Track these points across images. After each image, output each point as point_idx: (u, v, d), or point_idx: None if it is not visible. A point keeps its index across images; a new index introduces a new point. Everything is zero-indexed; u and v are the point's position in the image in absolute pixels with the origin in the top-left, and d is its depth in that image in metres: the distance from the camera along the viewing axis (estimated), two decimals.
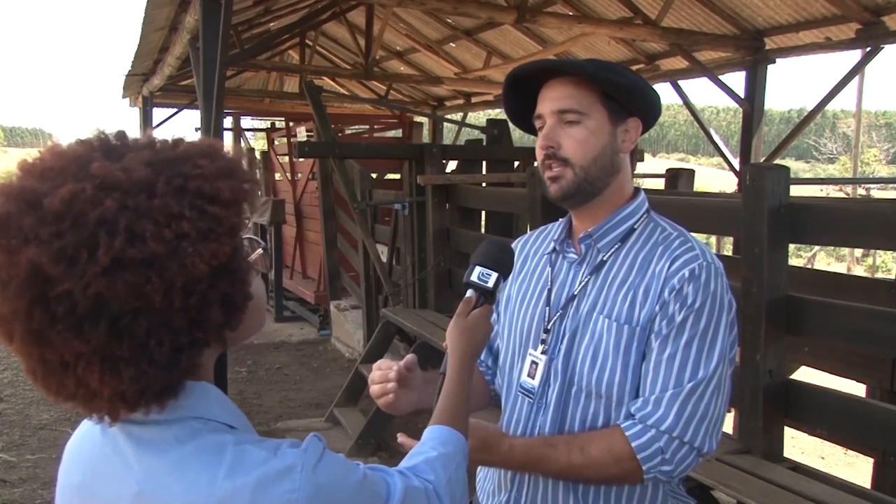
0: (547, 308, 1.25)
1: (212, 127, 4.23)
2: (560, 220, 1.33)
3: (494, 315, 1.38)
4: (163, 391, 0.73)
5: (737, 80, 6.25)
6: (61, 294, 0.66)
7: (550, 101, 1.20)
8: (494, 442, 1.16)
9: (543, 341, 1.23)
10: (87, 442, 0.82)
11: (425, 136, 10.10)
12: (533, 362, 1.24)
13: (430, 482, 0.89)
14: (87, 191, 0.68)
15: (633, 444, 1.11)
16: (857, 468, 4.58)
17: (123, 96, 10.59)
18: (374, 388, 1.19)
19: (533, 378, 1.23)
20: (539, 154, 1.22)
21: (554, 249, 1.30)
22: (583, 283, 1.22)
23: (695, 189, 5.28)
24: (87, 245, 0.66)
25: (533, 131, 1.26)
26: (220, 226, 0.72)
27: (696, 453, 1.13)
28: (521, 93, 1.26)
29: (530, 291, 1.30)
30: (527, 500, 1.23)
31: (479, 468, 1.39)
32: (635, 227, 1.23)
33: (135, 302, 0.68)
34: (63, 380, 0.71)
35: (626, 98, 1.19)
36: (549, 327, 1.23)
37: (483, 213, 5.31)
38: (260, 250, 0.84)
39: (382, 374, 1.19)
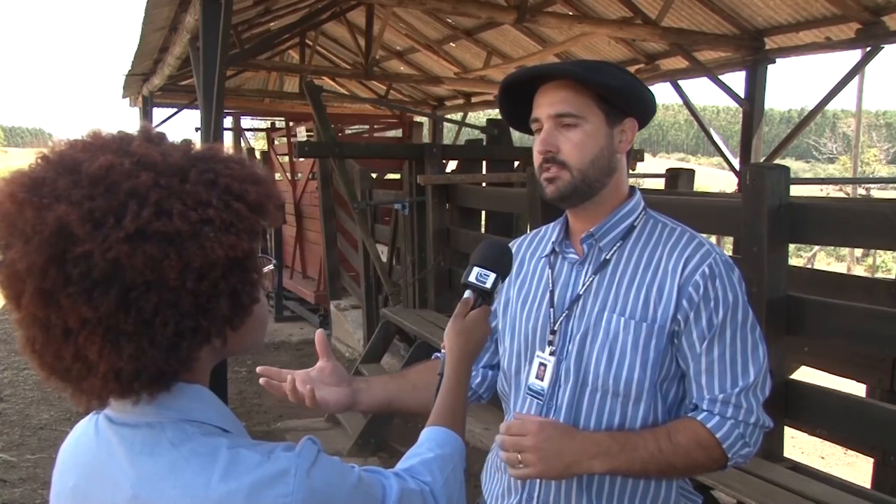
0: (551, 309, 1.25)
1: (212, 127, 4.23)
2: (554, 222, 1.34)
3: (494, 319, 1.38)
4: (157, 377, 0.73)
5: (737, 79, 6.25)
6: (80, 255, 0.67)
7: (546, 105, 1.20)
8: (571, 427, 1.17)
9: (551, 342, 1.23)
10: (82, 445, 0.82)
11: (425, 136, 10.10)
12: (541, 364, 1.24)
13: (427, 484, 0.89)
14: (124, 164, 0.71)
15: (718, 436, 1.16)
16: (857, 468, 4.58)
17: (123, 96, 10.59)
18: (296, 397, 1.19)
19: (541, 380, 1.23)
20: (537, 158, 1.22)
21: (553, 251, 1.30)
22: (587, 283, 1.23)
23: (695, 189, 5.28)
24: (116, 211, 0.68)
25: (531, 132, 1.27)
26: (242, 223, 0.74)
27: (764, 431, 1.21)
28: (517, 96, 1.27)
29: (531, 294, 1.30)
30: (538, 501, 1.22)
31: (483, 471, 1.39)
32: (635, 224, 1.24)
33: (149, 275, 0.69)
34: (61, 350, 0.71)
35: (620, 100, 1.20)
36: (555, 328, 1.23)
37: (483, 213, 5.31)
38: (271, 266, 0.86)
39: (287, 383, 1.20)
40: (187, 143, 0.79)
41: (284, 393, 1.20)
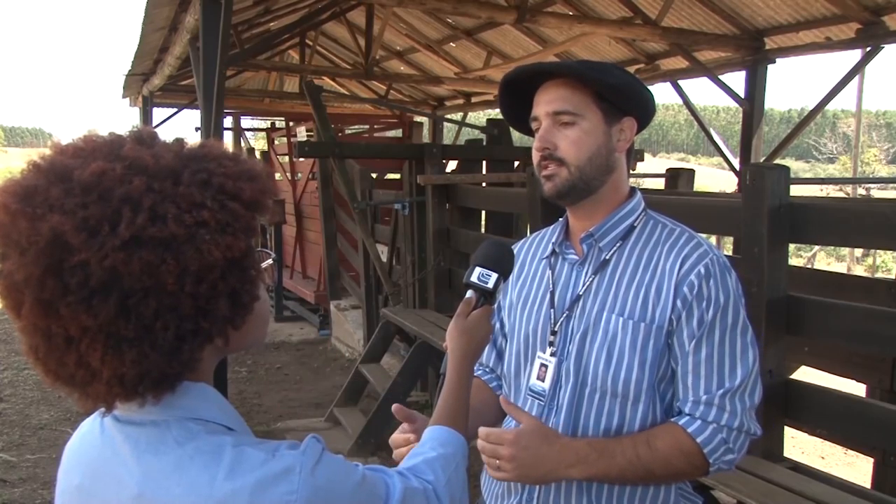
0: (552, 310, 1.25)
1: (212, 127, 4.23)
2: (555, 223, 1.34)
3: (497, 321, 1.38)
4: (161, 380, 0.73)
5: (737, 79, 6.25)
6: (77, 264, 0.67)
7: (545, 103, 1.21)
8: (552, 433, 1.16)
9: (552, 343, 1.24)
10: (87, 444, 0.82)
11: (425, 136, 10.10)
12: (542, 365, 1.24)
13: (430, 483, 0.90)
14: (116, 170, 0.70)
15: (699, 440, 1.14)
16: (857, 468, 4.58)
17: (123, 96, 10.58)
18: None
19: (542, 380, 1.23)
20: (535, 155, 1.23)
21: (553, 252, 1.30)
22: (587, 284, 1.23)
23: (695, 189, 5.28)
24: (110, 219, 0.68)
25: (531, 133, 1.27)
26: (238, 222, 0.74)
27: (750, 438, 1.18)
28: (518, 95, 1.27)
29: (532, 295, 1.30)
30: (538, 502, 1.23)
31: (483, 472, 1.39)
32: (635, 224, 1.25)
33: (147, 280, 0.69)
34: (64, 358, 0.71)
35: (618, 98, 1.20)
36: (556, 329, 1.24)
37: (483, 213, 5.32)
38: (270, 260, 0.86)
39: (404, 438, 1.16)
40: (179, 143, 0.78)
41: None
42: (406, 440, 1.15)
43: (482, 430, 1.15)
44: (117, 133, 0.78)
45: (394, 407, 1.18)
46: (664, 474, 1.16)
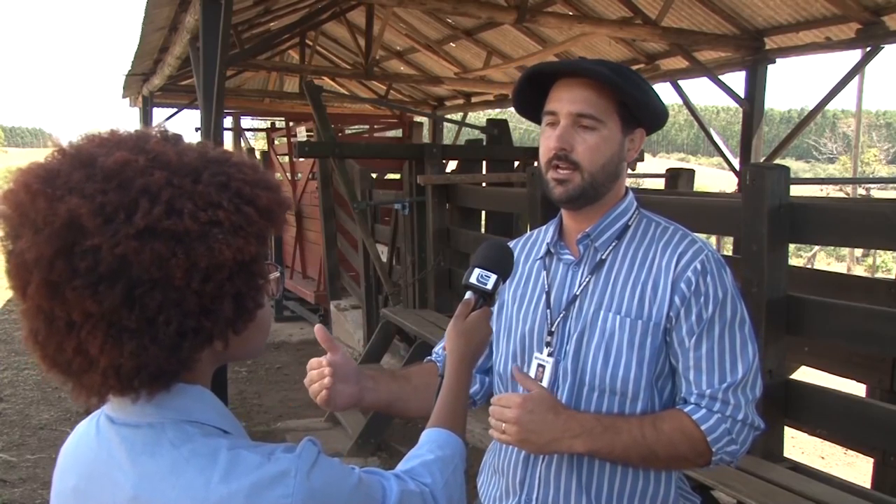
0: (548, 311, 1.25)
1: (212, 127, 4.23)
2: (547, 224, 1.34)
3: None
4: (157, 376, 0.73)
5: (737, 80, 6.25)
6: (89, 249, 0.68)
7: (568, 101, 1.19)
8: (559, 404, 1.17)
9: (548, 344, 1.24)
10: (83, 446, 0.82)
11: (425, 136, 10.10)
12: (539, 365, 1.24)
13: (427, 485, 0.89)
14: (139, 161, 0.72)
15: (703, 428, 1.15)
16: (857, 468, 4.58)
17: (123, 96, 10.59)
18: (312, 388, 1.17)
19: (540, 381, 1.23)
20: (548, 152, 1.21)
21: (548, 252, 1.30)
22: (584, 284, 1.23)
23: (695, 189, 5.29)
24: (127, 207, 0.69)
25: (533, 119, 1.27)
26: (251, 226, 0.75)
27: (755, 431, 1.19)
28: (532, 83, 1.26)
29: (528, 296, 1.30)
30: (538, 502, 1.23)
31: (480, 474, 1.39)
32: (629, 223, 1.26)
33: (156, 272, 0.69)
34: (63, 343, 0.72)
35: (640, 110, 1.21)
36: (553, 329, 1.24)
37: (483, 213, 5.32)
38: (277, 273, 0.86)
39: (319, 373, 1.17)
40: (203, 145, 0.80)
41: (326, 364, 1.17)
42: (321, 373, 1.16)
43: (496, 396, 1.17)
44: (144, 129, 0.79)
45: (316, 327, 1.19)
46: (667, 457, 1.17)
